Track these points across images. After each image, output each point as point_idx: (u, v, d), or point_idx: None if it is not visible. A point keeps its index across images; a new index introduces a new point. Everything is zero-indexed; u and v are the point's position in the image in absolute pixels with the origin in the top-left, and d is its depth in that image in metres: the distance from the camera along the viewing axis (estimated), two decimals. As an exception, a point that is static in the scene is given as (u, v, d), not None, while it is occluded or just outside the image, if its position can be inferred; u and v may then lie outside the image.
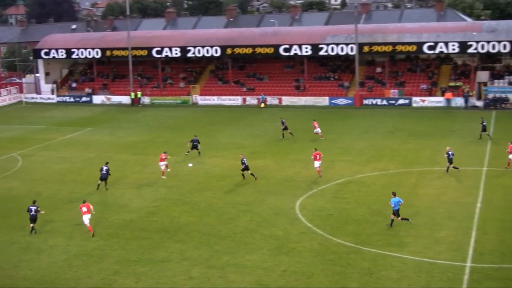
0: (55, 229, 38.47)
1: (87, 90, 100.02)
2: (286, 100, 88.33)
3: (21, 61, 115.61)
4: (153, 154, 57.73)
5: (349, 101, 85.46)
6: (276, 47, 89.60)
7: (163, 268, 31.89)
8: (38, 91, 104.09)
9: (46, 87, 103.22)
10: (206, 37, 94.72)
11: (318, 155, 48.25)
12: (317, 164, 48.22)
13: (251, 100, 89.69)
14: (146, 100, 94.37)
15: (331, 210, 39.67)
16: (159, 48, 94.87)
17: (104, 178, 46.80)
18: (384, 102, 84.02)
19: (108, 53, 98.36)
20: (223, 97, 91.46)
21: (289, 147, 58.57)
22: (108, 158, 55.21)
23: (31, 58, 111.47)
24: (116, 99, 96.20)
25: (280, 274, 30.79)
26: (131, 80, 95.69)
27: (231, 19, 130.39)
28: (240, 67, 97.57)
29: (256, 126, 70.70)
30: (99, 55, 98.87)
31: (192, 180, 48.71)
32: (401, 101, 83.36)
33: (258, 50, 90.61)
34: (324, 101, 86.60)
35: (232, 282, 30.15)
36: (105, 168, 46.99)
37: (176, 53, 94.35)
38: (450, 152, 47.88)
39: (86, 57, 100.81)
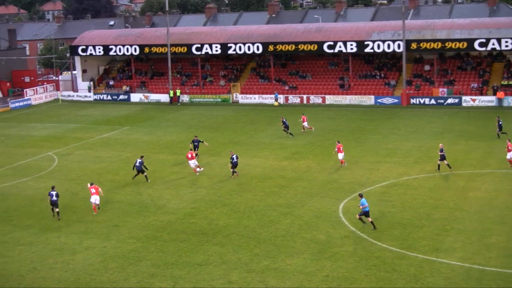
0: (91, 230, 38.90)
1: (125, 88, 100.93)
2: (330, 99, 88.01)
3: (58, 58, 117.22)
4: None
5: (396, 100, 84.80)
6: (320, 44, 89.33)
7: (201, 271, 32.00)
8: (74, 88, 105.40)
9: (83, 85, 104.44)
10: (247, 34, 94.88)
11: (341, 147, 51.91)
12: (340, 156, 51.87)
13: (294, 99, 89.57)
14: (185, 98, 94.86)
15: (376, 214, 39.38)
16: (199, 45, 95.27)
17: (139, 170, 48.99)
18: (432, 101, 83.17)
19: (146, 50, 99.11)
20: (264, 96, 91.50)
21: (332, 148, 58.35)
22: (146, 157, 55.60)
23: (67, 55, 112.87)
24: (154, 97, 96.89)
25: (322, 279, 30.68)
26: (169, 78, 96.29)
27: (273, 15, 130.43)
28: (282, 65, 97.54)
29: (298, 125, 70.55)
30: (137, 52, 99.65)
31: (231, 181, 48.81)
32: (450, 101, 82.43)
33: (301, 47, 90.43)
34: (369, 100, 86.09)
35: (272, 287, 30.13)
36: (139, 160, 49.24)
37: (216, 50, 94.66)
38: (443, 149, 49.16)
39: (124, 54, 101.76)
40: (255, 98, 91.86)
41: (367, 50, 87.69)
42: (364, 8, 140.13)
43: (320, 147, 59.53)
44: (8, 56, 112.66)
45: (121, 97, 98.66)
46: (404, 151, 56.94)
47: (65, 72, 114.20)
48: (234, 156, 49.87)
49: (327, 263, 32.50)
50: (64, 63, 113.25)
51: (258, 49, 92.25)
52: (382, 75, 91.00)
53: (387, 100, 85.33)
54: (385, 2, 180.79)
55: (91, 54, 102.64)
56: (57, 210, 41.42)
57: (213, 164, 54.48)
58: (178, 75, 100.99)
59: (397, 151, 57.02)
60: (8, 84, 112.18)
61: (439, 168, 49.06)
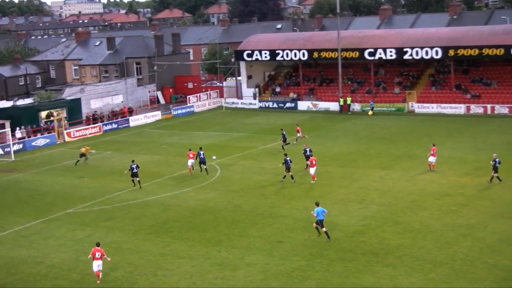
0: (253, 245, 39.50)
1: (292, 95, 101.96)
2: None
3: (222, 63, 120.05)
4: (363, 167, 57.94)
5: None
6: (507, 48, 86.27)
7: (370, 294, 31.75)
8: (239, 95, 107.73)
9: (247, 92, 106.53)
10: (425, 37, 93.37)
11: (435, 151, 55.07)
12: (432, 159, 55.15)
13: (476, 109, 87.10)
14: (356, 107, 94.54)
15: None
16: (372, 50, 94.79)
17: (202, 161, 58.13)
18: None
19: (315, 54, 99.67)
20: (443, 105, 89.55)
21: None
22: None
23: (232, 60, 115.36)
24: (323, 105, 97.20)
25: (507, 310, 29.61)
26: (340, 85, 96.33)
27: (455, 16, 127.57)
28: (463, 71, 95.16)
29: (481, 138, 68.53)
30: (306, 57, 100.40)
31: (405, 198, 48.12)
32: None
33: (486, 51, 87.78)
34: None
35: (449, 315, 29.41)
36: (202, 152, 58.22)
37: (391, 55, 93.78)
38: (497, 160, 50.54)
39: (291, 59, 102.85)
40: (432, 108, 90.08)
41: None
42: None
43: (508, 162, 57.39)
44: (171, 61, 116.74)
45: (288, 104, 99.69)
46: None
47: (230, 78, 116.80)
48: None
49: (512, 292, 31.36)
50: (228, 69, 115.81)
51: (437, 54, 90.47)
52: None
53: None
54: None
55: (257, 59, 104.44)
56: (137, 179, 54.15)
57: (386, 178, 53.98)
58: (349, 82, 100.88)
59: None
60: (171, 90, 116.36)
61: None
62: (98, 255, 35.56)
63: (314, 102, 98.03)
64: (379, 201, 47.59)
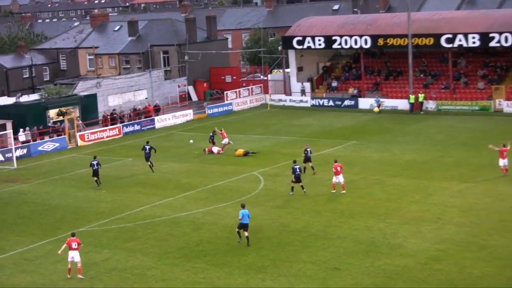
0: (303, 273, 39.39)
1: (352, 90, 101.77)
2: None
3: (267, 52, 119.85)
4: (438, 179, 57.66)
5: None
6: None
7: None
8: (287, 91, 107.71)
9: (297, 86, 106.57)
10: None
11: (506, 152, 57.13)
12: (503, 162, 57.23)
13: None
14: (430, 105, 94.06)
15: None
16: (449, 35, 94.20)
17: (147, 157, 65.37)
18: None
19: (380, 41, 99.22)
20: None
21: None
22: (378, 181, 56.05)
23: (279, 48, 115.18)
24: (389, 103, 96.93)
25: None
26: (410, 79, 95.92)
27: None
28: None
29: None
30: (369, 45, 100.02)
31: (491, 217, 47.70)
32: None
33: None
34: None
35: None
36: (147, 147, 65.60)
37: (473, 42, 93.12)
38: None
39: (350, 47, 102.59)
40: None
41: None
42: None
43: None
44: (206, 50, 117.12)
45: (347, 102, 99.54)
46: None
47: (276, 71, 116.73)
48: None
49: None
50: (274, 59, 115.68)
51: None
52: None
53: None
54: None
55: (309, 47, 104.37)
56: (95, 178, 59.93)
57: (467, 192, 53.63)
58: (422, 75, 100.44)
59: None
60: (205, 84, 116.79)
61: None
62: (75, 245, 39.95)
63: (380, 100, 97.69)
64: (459, 221, 47.24)
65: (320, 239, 44.69)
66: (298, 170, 55.08)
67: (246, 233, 43.84)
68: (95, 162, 60.95)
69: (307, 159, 61.11)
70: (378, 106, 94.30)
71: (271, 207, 52.55)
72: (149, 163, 65.35)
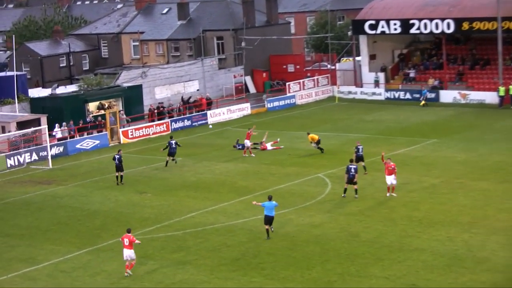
0: (377, 290, 39.19)
1: (432, 81, 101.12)
2: None
3: (335, 38, 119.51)
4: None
5: None
6: None
7: None
8: (358, 82, 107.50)
9: (370, 77, 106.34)
10: None
11: None
12: None
13: None
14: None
15: None
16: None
17: (173, 153, 68.37)
18: None
19: (465, 25, 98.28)
20: None
21: None
22: (462, 185, 55.50)
23: (349, 33, 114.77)
24: (476, 95, 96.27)
25: None
26: (500, 68, 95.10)
27: None
28: None
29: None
30: (452, 29, 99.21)
31: None
32: None
33: None
34: None
35: None
36: (173, 142, 68.37)
37: None
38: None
39: (431, 32, 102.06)
40: None
41: None
42: None
43: None
44: (265, 35, 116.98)
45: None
46: None
47: (345, 59, 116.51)
48: (361, 147, 62.05)
49: None
50: (343, 46, 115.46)
51: None
52: None
53: None
54: None
55: (383, 33, 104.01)
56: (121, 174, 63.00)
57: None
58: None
59: None
60: (264, 74, 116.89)
61: None
62: (127, 242, 41.17)
63: (463, 92, 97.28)
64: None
65: (395, 251, 44.38)
66: (353, 170, 55.05)
67: (270, 227, 46.82)
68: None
69: (358, 158, 61.34)
70: (424, 99, 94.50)
71: (339, 214, 52.30)
72: (172, 158, 68.91)
